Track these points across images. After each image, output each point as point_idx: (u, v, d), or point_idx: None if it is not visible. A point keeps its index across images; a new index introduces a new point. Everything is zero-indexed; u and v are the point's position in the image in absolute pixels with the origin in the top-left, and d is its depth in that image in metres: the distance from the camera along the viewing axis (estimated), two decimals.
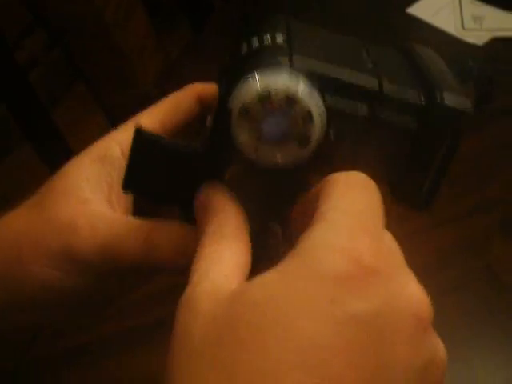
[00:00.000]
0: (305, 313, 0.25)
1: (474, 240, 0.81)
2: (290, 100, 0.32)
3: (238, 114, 0.33)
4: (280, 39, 0.34)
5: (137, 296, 0.80)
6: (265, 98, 0.32)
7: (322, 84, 0.33)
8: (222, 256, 0.32)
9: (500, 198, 0.85)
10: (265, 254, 0.36)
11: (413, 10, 1.12)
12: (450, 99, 0.35)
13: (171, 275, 0.42)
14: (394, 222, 0.83)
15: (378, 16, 1.14)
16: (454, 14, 1.10)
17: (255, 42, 0.34)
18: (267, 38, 0.34)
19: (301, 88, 0.33)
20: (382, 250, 0.30)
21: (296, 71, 0.33)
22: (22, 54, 1.01)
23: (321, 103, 0.33)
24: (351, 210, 0.31)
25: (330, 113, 0.34)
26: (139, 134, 0.38)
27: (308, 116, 0.33)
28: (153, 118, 0.43)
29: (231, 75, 0.34)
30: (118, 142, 0.42)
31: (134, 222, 0.40)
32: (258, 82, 0.33)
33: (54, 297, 0.41)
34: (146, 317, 0.79)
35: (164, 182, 0.39)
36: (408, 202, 0.37)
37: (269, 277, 0.28)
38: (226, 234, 0.33)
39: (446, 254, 0.80)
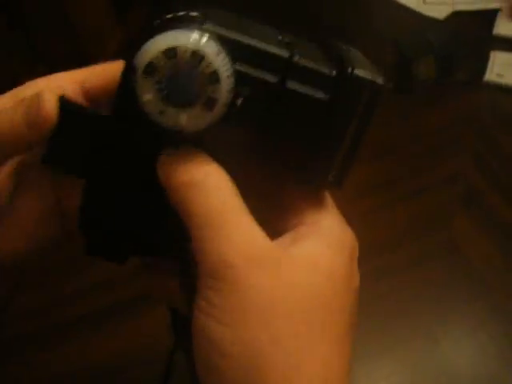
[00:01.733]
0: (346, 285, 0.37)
1: (436, 214, 0.82)
2: (197, 56, 0.32)
3: (144, 71, 0.32)
4: (194, 13, 0.33)
5: (101, 276, 0.80)
6: (171, 54, 0.32)
7: (232, 50, 0.33)
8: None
9: (462, 171, 0.86)
10: None
11: None
12: (361, 72, 0.34)
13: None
14: (354, 200, 0.84)
15: None
16: None
17: (168, 16, 0.33)
18: (181, 13, 0.33)
19: (209, 45, 0.32)
20: None
21: (206, 32, 0.32)
22: None
23: (229, 65, 0.32)
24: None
25: (239, 78, 0.33)
26: (63, 103, 0.36)
27: (214, 76, 0.32)
28: (75, 77, 0.41)
29: (141, 39, 0.33)
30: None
31: None
32: (164, 38, 0.32)
33: None
34: (112, 297, 0.78)
35: (84, 155, 0.38)
36: (319, 181, 0.37)
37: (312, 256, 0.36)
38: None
39: (408, 228, 0.81)
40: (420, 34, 0.94)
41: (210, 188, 0.34)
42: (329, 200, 0.39)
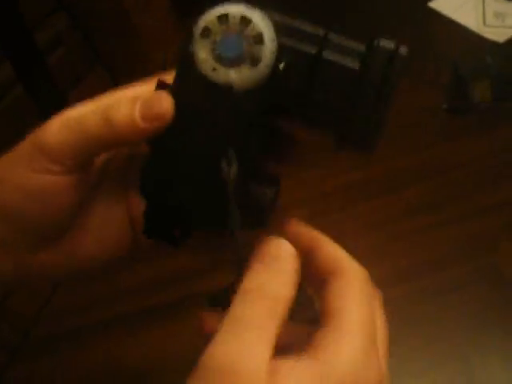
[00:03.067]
0: None
1: (480, 239, 0.81)
2: (245, 21, 0.38)
3: (200, 34, 0.38)
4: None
5: (138, 280, 0.81)
6: (223, 20, 0.38)
7: (277, 26, 0.38)
8: (265, 335, 0.35)
9: (509, 199, 0.84)
10: None
11: (435, 4, 1.11)
12: (386, 44, 0.39)
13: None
14: (399, 220, 0.84)
15: (399, 9, 1.13)
16: (476, 10, 1.09)
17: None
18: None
19: (255, 12, 0.38)
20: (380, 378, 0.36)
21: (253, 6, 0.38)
22: (44, 36, 1.01)
23: (272, 30, 0.38)
24: (362, 326, 0.37)
25: (282, 49, 0.38)
26: None
27: (259, 37, 0.38)
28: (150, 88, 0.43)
29: (199, 13, 0.39)
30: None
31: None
32: (218, 8, 0.38)
33: (34, 201, 0.41)
34: (150, 301, 0.79)
35: None
36: (355, 147, 0.41)
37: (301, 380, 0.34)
38: (275, 309, 0.36)
39: (451, 253, 0.80)
40: (478, 57, 0.93)
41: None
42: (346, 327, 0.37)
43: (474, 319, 0.74)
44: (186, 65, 0.39)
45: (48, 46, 1.01)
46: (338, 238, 0.81)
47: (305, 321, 0.42)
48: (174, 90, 0.40)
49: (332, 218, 0.84)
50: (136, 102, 0.39)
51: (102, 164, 0.45)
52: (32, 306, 0.81)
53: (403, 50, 0.39)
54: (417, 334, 0.74)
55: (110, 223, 0.45)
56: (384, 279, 0.77)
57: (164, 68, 0.41)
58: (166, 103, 0.39)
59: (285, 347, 0.35)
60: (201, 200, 0.41)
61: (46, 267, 0.44)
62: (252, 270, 0.37)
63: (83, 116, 0.40)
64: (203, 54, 0.38)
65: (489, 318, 0.74)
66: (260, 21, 0.38)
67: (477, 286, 0.77)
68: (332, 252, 0.41)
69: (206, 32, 0.38)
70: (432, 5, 1.12)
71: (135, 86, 0.43)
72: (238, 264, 0.39)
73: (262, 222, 0.43)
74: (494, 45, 1.04)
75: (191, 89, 0.39)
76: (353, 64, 0.38)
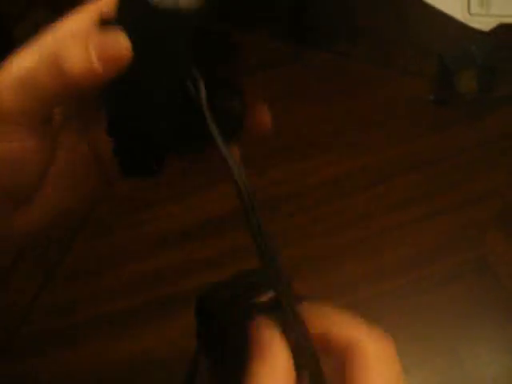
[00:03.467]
0: None
1: (468, 231, 0.81)
2: None
3: None
4: None
5: (123, 280, 0.81)
6: None
7: None
8: None
9: (498, 190, 0.84)
10: None
11: None
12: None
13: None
14: (387, 212, 0.84)
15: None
16: None
17: None
18: None
19: None
20: None
21: None
22: (23, 29, 1.00)
23: None
24: None
25: None
26: None
27: None
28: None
29: None
30: None
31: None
32: None
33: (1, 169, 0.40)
34: (134, 300, 0.79)
35: None
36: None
37: None
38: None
39: (439, 245, 0.80)
40: (463, 46, 0.93)
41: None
42: None
43: (462, 312, 0.75)
44: None
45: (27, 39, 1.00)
46: (326, 233, 0.81)
47: None
48: (121, 24, 0.38)
49: (320, 211, 0.84)
50: (88, 45, 0.36)
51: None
52: (18, 305, 0.80)
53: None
54: (405, 329, 0.74)
55: (77, 168, 0.43)
56: (371, 274, 0.78)
57: None
58: (123, 42, 0.36)
59: None
60: (172, 124, 0.40)
61: (21, 227, 0.42)
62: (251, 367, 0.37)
63: (34, 69, 0.37)
64: None
65: (477, 310, 0.75)
66: None
67: (465, 278, 0.77)
68: (344, 332, 0.38)
69: None
70: None
71: (72, 21, 0.39)
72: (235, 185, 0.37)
73: (236, 135, 0.42)
74: (479, 34, 1.03)
75: (138, 19, 0.38)
76: None
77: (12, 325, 0.77)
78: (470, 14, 1.06)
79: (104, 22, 0.38)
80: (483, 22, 1.05)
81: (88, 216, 0.86)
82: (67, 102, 0.41)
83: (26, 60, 0.38)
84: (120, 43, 0.36)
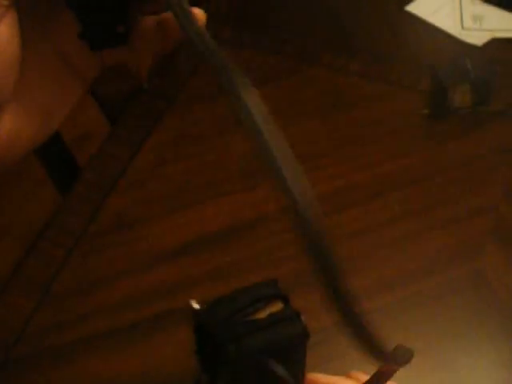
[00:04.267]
0: None
1: (466, 245, 0.81)
2: None
3: None
4: None
5: (117, 296, 0.80)
6: None
7: None
8: None
9: (495, 204, 0.84)
10: None
11: (412, 7, 1.11)
12: None
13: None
14: (384, 227, 0.83)
15: (376, 14, 1.13)
16: (454, 13, 1.09)
17: None
18: None
19: None
20: None
21: None
22: None
23: None
24: None
25: None
26: None
27: None
28: None
29: None
30: None
31: None
32: None
33: None
34: (129, 316, 0.78)
35: None
36: None
37: None
38: None
39: (437, 259, 0.80)
40: (457, 61, 0.93)
41: None
42: None
43: (459, 325, 0.75)
44: None
45: None
46: None
47: None
48: None
49: None
50: None
51: None
52: (13, 323, 0.80)
53: None
54: (402, 343, 0.73)
55: (45, 67, 0.41)
56: (368, 288, 0.77)
57: None
58: None
59: None
60: None
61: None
62: None
63: None
64: None
65: (474, 324, 0.75)
66: None
67: (462, 291, 0.77)
68: None
69: None
70: (409, 8, 1.11)
71: None
72: None
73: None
74: (472, 48, 1.04)
75: None
76: None
77: (9, 341, 0.77)
78: (463, 28, 1.07)
79: None
80: (476, 37, 1.06)
81: (82, 233, 0.86)
82: None
83: None
84: None
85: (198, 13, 0.36)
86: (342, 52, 1.04)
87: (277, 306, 0.60)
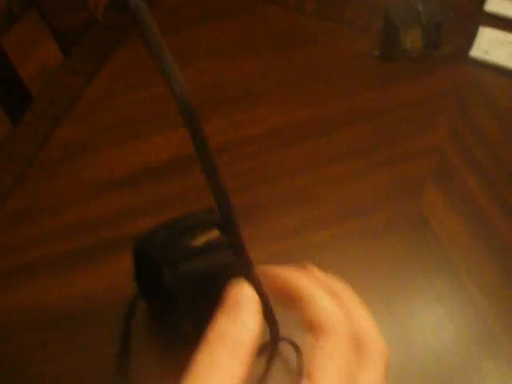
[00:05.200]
0: None
1: (407, 185, 0.82)
2: None
3: None
4: None
5: (64, 223, 0.81)
6: None
7: None
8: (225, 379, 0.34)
9: (437, 145, 0.86)
10: None
11: None
12: None
13: None
14: (328, 164, 0.85)
15: None
16: None
17: None
18: None
19: None
20: None
21: None
22: None
23: None
24: None
25: None
26: None
27: None
28: None
29: None
30: None
31: None
32: None
33: None
34: (75, 243, 0.79)
35: None
36: None
37: None
38: (238, 353, 0.35)
39: (378, 197, 0.81)
40: (409, 4, 0.93)
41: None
42: None
43: (396, 262, 0.76)
44: None
45: None
46: (265, 182, 0.82)
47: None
48: None
49: (259, 161, 0.85)
50: None
51: None
52: None
53: None
54: (340, 276, 0.75)
55: None
56: (308, 223, 0.79)
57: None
58: None
59: None
60: None
61: None
62: (214, 318, 0.36)
63: None
64: None
65: (411, 261, 0.76)
66: None
67: (401, 229, 0.79)
68: (313, 306, 0.38)
69: None
70: None
71: None
72: None
73: None
74: None
75: None
76: None
77: None
78: None
79: None
80: None
81: (31, 161, 0.86)
82: None
83: None
84: None
85: None
86: None
87: (214, 234, 0.61)
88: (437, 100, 0.91)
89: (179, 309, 0.63)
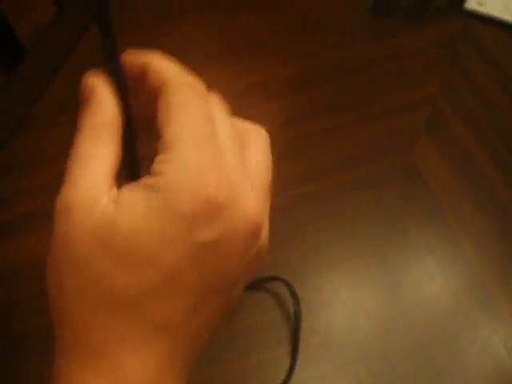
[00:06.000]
0: (167, 245, 0.31)
1: (400, 137, 0.83)
2: None
3: None
4: None
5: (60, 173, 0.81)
6: None
7: None
8: (96, 160, 0.34)
9: (430, 98, 0.86)
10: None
11: None
12: None
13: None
14: (320, 115, 0.85)
15: None
16: None
17: None
18: None
19: None
20: (224, 180, 0.33)
21: None
22: None
23: None
24: (194, 135, 0.33)
25: None
26: None
27: None
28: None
29: None
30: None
31: None
32: None
33: None
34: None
35: None
36: None
37: (137, 209, 0.32)
38: (101, 134, 0.35)
39: (371, 149, 0.82)
40: None
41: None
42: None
43: (389, 213, 0.77)
44: None
45: None
46: None
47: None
48: None
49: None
50: None
51: None
52: None
53: None
54: (331, 228, 0.76)
55: None
56: (300, 174, 0.80)
57: None
58: None
59: None
60: None
61: None
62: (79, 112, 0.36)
63: None
64: None
65: (403, 212, 0.77)
66: None
67: (394, 180, 0.79)
68: (159, 72, 0.36)
69: None
70: None
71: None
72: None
73: None
74: None
75: None
76: None
77: None
78: None
79: None
80: None
81: (24, 115, 0.86)
82: None
83: None
84: None
85: None
86: None
87: None
88: (430, 52, 0.91)
89: None
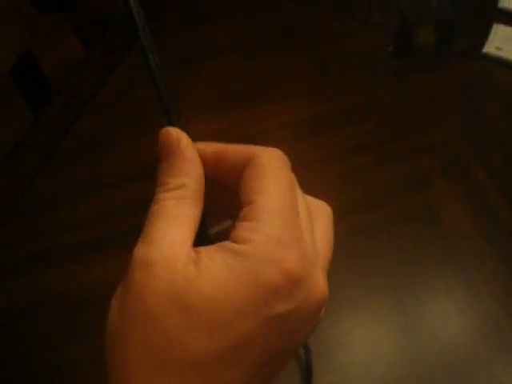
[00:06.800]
0: (243, 314, 0.32)
1: (416, 178, 0.84)
2: None
3: None
4: None
5: (82, 213, 0.83)
6: None
7: None
8: (181, 220, 0.34)
9: (449, 141, 0.87)
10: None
11: None
12: None
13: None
14: (342, 157, 0.86)
15: None
16: None
17: None
18: None
19: None
20: (304, 256, 0.34)
21: None
22: None
23: None
24: (284, 207, 0.35)
25: None
26: None
27: None
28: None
29: None
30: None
31: None
32: None
33: None
34: (94, 232, 0.82)
35: None
36: None
37: (219, 273, 0.32)
38: (187, 195, 0.35)
39: (388, 190, 0.83)
40: (423, 1, 0.95)
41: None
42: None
43: (406, 255, 0.78)
44: None
45: None
46: None
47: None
48: None
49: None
50: None
51: None
52: None
53: None
54: (350, 268, 0.77)
55: None
56: None
57: None
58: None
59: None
60: None
61: None
62: (157, 169, 0.37)
63: None
64: None
65: (420, 255, 0.78)
66: None
67: (410, 223, 0.80)
68: (240, 147, 0.37)
69: None
70: None
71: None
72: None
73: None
74: None
75: None
76: None
77: None
78: None
79: None
80: None
81: (51, 153, 0.88)
82: None
83: None
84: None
85: None
86: None
87: (226, 224, 0.62)
88: (448, 95, 0.92)
89: None
